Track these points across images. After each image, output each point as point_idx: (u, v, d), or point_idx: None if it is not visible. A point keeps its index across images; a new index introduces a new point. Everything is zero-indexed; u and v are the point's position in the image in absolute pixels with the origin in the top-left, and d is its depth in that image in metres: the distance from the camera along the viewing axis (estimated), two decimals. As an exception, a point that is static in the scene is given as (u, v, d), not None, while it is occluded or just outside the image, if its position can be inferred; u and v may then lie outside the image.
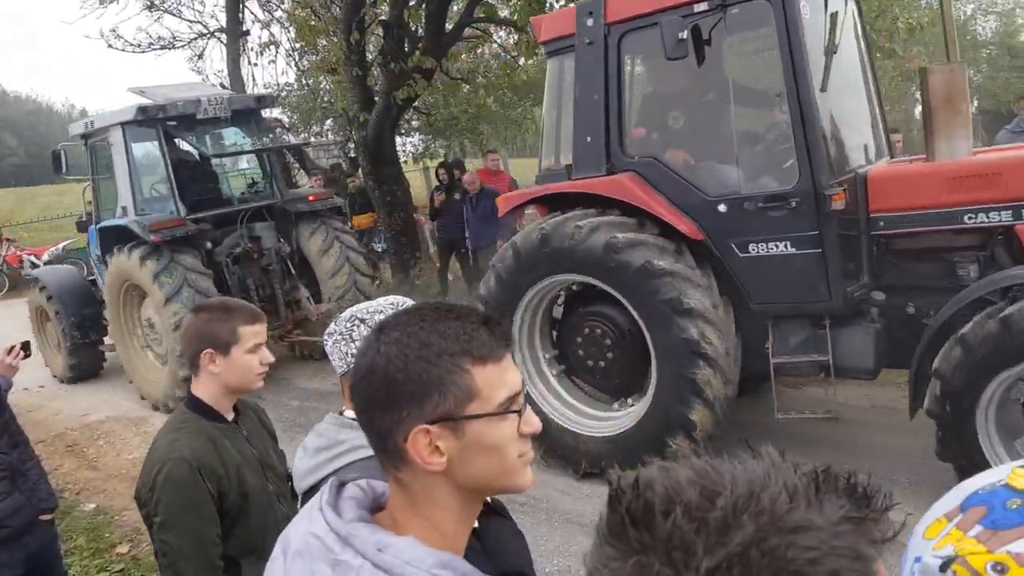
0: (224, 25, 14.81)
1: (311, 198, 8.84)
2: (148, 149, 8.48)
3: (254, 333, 2.28)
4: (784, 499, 0.65)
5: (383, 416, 1.05)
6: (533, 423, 1.12)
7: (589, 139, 5.02)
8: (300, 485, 1.68)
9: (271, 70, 37.04)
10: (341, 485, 1.15)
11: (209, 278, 7.80)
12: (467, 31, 11.88)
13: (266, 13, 15.08)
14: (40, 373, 9.54)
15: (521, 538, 1.45)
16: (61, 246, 17.37)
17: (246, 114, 8.75)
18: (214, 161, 9.25)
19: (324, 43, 11.86)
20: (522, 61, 12.68)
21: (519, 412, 1.10)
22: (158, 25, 24.03)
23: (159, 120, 7.98)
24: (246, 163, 10.57)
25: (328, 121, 17.86)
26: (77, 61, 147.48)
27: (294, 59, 15.91)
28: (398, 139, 17.01)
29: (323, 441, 1.67)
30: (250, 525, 2.29)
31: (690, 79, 5.01)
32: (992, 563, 0.64)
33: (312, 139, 16.97)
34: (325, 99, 16.37)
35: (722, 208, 4.62)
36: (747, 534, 0.62)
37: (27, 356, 3.52)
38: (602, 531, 0.70)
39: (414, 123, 17.15)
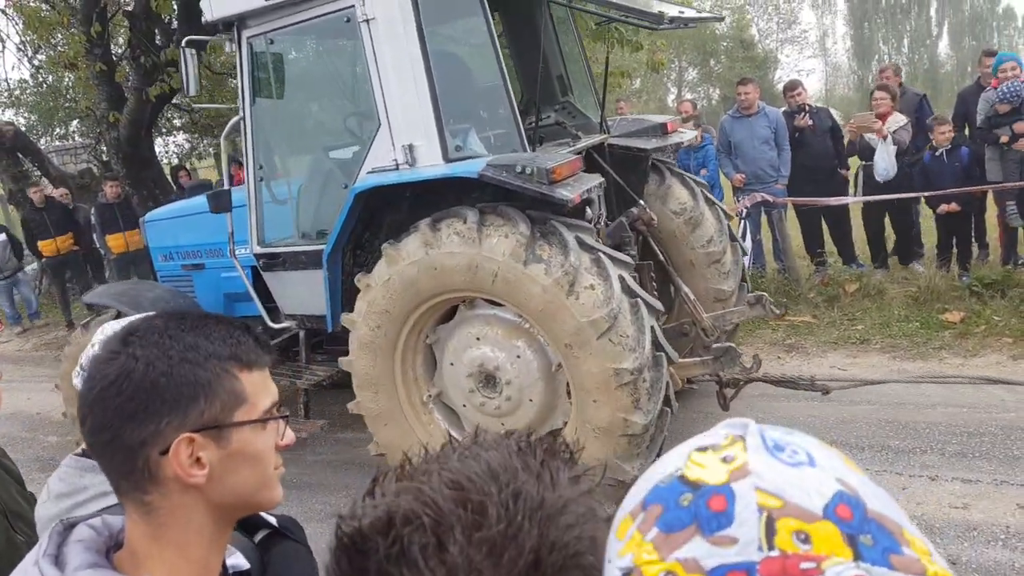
0: (-68, 14, 12.84)
1: (669, 126, 5.43)
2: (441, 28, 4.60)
3: None
4: (534, 484, 0.64)
5: (136, 428, 0.95)
6: (290, 435, 1.11)
7: None
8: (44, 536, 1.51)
9: None
10: (68, 528, 1.02)
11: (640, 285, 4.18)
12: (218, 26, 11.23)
13: (-13, 2, 13.28)
14: None
15: (311, 565, 1.36)
16: None
17: None
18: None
19: (61, 36, 10.67)
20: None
21: (285, 419, 1.09)
22: None
23: None
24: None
25: (74, 122, 16.13)
26: None
27: (26, 54, 14.18)
28: (160, 139, 15.80)
29: (64, 487, 1.50)
30: (-10, 584, 2.02)
31: None
32: (664, 572, 0.57)
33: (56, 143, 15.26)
34: (69, 97, 14.76)
35: None
36: (534, 538, 0.60)
37: None
38: None
39: (176, 121, 15.95)
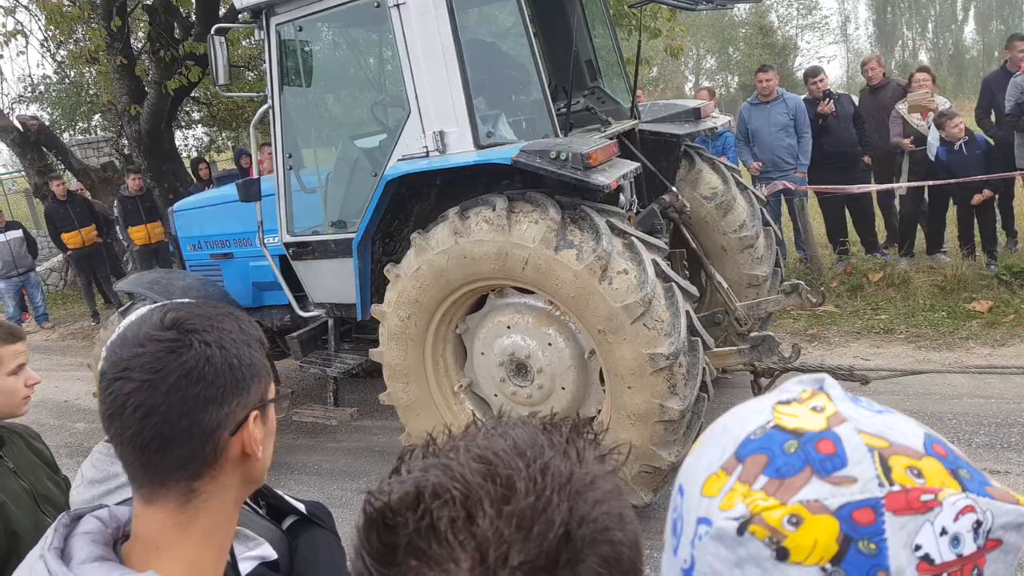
0: (-44, 11, 12.98)
1: (702, 111, 5.35)
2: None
3: (15, 353, 2.06)
4: (561, 460, 0.64)
5: (216, 411, 0.98)
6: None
7: None
8: None
9: (22, 62, 33.21)
10: (75, 519, 1.01)
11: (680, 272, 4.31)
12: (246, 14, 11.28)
13: (9, -2, 13.41)
14: None
15: (338, 553, 1.36)
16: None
17: None
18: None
19: (82, 31, 10.78)
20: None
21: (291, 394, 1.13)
22: None
23: None
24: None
25: (96, 116, 16.29)
26: None
27: (48, 49, 14.32)
28: (179, 133, 15.92)
29: (96, 473, 1.51)
30: (25, 568, 2.05)
31: None
32: (787, 516, 0.59)
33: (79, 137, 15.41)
34: (91, 92, 14.91)
35: None
36: (564, 511, 0.60)
37: None
38: (376, 566, 0.62)
39: (195, 115, 16.06)
